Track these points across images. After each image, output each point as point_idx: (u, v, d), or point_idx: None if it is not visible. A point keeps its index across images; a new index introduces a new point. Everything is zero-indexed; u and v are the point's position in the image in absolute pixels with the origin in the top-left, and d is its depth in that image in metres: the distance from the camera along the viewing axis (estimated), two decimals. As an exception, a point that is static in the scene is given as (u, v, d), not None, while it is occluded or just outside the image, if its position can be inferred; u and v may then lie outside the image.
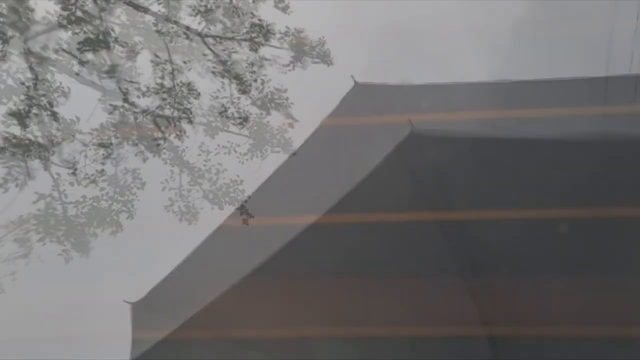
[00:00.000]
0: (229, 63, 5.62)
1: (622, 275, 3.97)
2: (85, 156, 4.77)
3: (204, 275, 4.46)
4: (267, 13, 5.73)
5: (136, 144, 5.05)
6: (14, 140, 4.46)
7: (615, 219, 4.03)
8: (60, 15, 5.54)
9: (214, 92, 5.58)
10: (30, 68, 5.44)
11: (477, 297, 4.08)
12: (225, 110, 5.50)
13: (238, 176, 5.02)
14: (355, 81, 4.77)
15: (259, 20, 5.69)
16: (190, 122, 5.48)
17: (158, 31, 5.64)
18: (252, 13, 5.70)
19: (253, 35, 5.66)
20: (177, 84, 5.53)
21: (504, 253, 4.14)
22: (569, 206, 4.07)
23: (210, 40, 5.66)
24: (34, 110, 5.42)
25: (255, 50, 5.65)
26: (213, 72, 5.59)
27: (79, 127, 5.17)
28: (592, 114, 4.53)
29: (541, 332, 3.94)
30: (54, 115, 5.43)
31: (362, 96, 4.74)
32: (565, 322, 4.02)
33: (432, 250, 4.26)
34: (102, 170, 4.86)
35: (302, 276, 4.35)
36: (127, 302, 4.34)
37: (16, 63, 5.45)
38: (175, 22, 5.69)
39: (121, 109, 5.37)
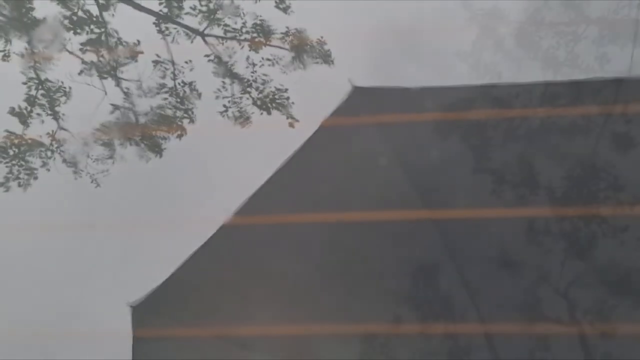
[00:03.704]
0: (229, 63, 5.65)
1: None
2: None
3: (207, 273, 4.49)
4: (268, 13, 5.76)
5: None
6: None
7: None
8: (63, 15, 5.59)
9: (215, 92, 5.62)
10: (32, 68, 5.49)
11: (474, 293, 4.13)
12: (227, 110, 5.54)
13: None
14: (352, 85, 4.79)
15: (261, 20, 5.73)
16: (192, 121, 5.52)
17: (160, 31, 5.68)
18: (254, 13, 5.74)
19: (254, 35, 5.70)
20: (179, 84, 5.57)
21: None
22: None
23: (211, 40, 5.70)
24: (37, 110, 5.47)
25: (257, 51, 5.68)
26: (214, 72, 5.63)
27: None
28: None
29: (536, 329, 3.98)
30: (55, 115, 5.48)
31: (360, 99, 4.77)
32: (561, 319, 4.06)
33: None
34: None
35: (302, 275, 4.39)
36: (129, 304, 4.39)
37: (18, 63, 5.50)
38: (177, 22, 5.72)
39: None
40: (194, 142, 5.48)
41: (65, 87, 5.54)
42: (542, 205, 4.40)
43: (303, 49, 5.66)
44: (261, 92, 5.61)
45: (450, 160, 4.72)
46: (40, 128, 5.46)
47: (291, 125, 5.48)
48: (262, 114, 5.55)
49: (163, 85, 5.57)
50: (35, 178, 5.31)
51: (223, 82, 5.61)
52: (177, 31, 5.70)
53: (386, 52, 5.58)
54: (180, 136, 5.45)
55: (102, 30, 5.63)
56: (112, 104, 5.46)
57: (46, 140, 5.38)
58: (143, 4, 5.73)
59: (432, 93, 4.94)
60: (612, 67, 5.20)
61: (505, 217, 4.39)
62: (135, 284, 4.66)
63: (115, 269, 4.91)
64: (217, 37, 5.71)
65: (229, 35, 5.72)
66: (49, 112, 5.49)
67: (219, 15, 5.75)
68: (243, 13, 5.74)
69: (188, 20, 5.75)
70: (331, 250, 4.46)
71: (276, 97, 5.58)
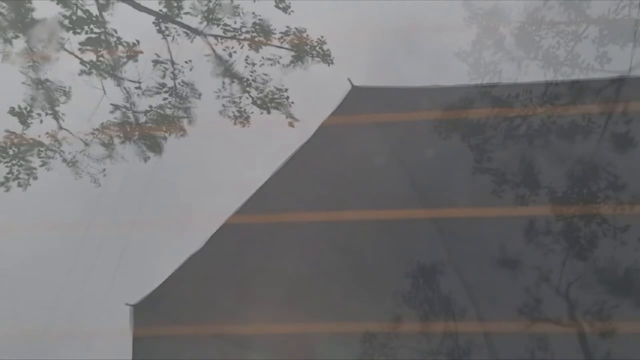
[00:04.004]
0: (229, 63, 5.66)
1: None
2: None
3: (207, 273, 4.50)
4: (267, 13, 5.77)
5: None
6: None
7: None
8: (62, 14, 5.60)
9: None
10: (32, 67, 5.49)
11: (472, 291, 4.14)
12: (226, 110, 5.54)
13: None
14: (352, 84, 4.79)
15: (260, 19, 5.73)
16: (192, 121, 5.52)
17: (159, 31, 5.69)
18: (253, 13, 5.75)
19: (254, 35, 5.70)
20: (179, 84, 5.57)
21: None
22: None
23: (211, 40, 5.70)
24: (37, 110, 5.48)
25: (256, 50, 5.68)
26: (214, 72, 5.64)
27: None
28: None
29: (536, 329, 3.99)
30: (55, 115, 5.48)
31: (360, 98, 4.78)
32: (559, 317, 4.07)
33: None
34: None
35: (302, 274, 4.39)
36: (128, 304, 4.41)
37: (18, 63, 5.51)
38: (177, 22, 5.73)
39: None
40: (194, 142, 5.47)
41: (64, 87, 5.54)
42: (542, 205, 4.40)
43: (303, 48, 5.67)
44: (261, 91, 5.61)
45: (450, 159, 4.74)
46: (40, 128, 5.46)
47: (291, 125, 5.47)
48: (262, 113, 5.55)
49: (163, 85, 5.57)
50: (35, 178, 5.31)
51: (223, 82, 5.62)
52: (177, 31, 5.71)
53: (386, 51, 5.58)
54: (180, 136, 5.45)
55: (102, 29, 5.63)
56: (112, 104, 5.46)
57: (46, 140, 5.39)
58: (143, 3, 5.74)
59: (431, 93, 4.95)
60: (612, 67, 5.20)
61: (505, 217, 4.40)
62: (135, 284, 4.66)
63: (115, 269, 4.91)
64: (216, 36, 5.71)
65: (228, 34, 5.73)
66: (49, 111, 5.49)
67: (218, 14, 5.75)
68: (242, 12, 5.75)
69: (188, 20, 5.76)
70: (331, 250, 4.47)
71: (276, 96, 5.58)
